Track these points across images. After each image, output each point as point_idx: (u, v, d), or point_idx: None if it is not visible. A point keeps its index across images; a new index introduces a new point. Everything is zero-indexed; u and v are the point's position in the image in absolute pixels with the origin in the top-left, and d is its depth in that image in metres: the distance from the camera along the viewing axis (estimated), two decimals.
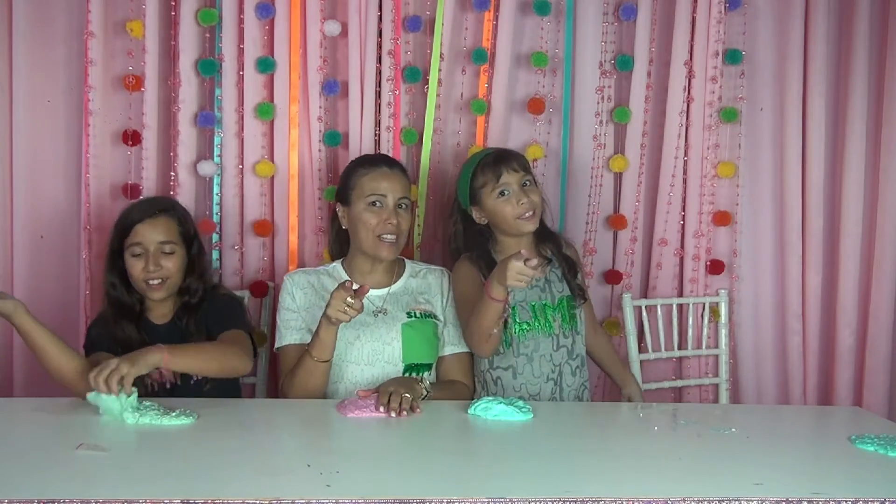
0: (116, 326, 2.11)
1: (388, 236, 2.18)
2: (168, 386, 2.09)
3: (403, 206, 2.22)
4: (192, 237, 2.19)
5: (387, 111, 2.58)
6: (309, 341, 2.11)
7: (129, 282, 2.14)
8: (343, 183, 2.28)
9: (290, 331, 2.19)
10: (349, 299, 1.92)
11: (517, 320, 2.24)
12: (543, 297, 2.25)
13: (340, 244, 2.35)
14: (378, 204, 2.19)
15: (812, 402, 2.73)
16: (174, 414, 1.77)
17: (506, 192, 2.22)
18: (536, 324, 2.24)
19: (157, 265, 2.09)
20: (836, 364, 2.73)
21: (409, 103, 2.63)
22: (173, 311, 2.18)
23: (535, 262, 1.91)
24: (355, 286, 1.94)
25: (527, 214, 2.21)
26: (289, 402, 2.07)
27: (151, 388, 2.07)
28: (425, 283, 2.28)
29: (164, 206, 2.18)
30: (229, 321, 2.12)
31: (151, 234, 2.10)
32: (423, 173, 2.62)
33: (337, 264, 2.30)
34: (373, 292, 2.21)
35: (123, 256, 2.12)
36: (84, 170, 2.48)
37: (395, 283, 2.26)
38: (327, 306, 1.96)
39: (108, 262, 2.15)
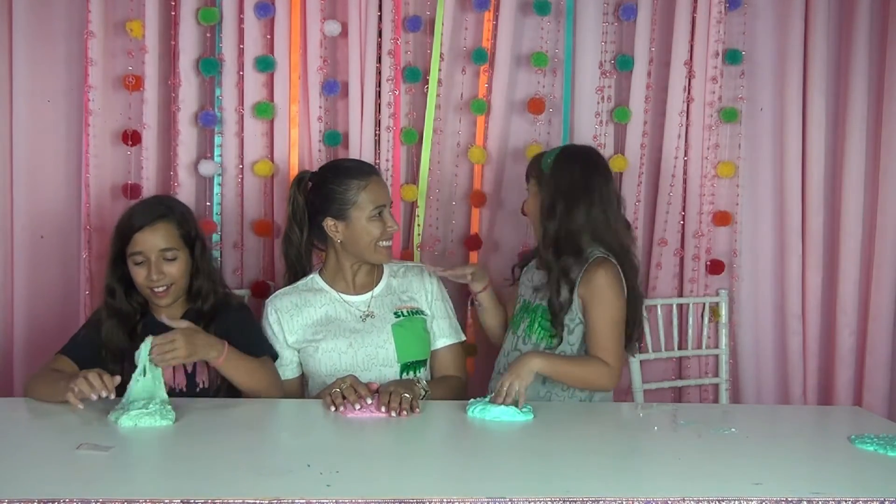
0: (107, 334, 2.08)
1: (387, 242, 2.20)
2: (177, 391, 2.08)
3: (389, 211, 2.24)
4: (194, 238, 2.14)
5: (387, 111, 2.58)
6: (290, 374, 2.19)
7: (131, 286, 2.11)
8: (335, 198, 2.16)
9: (282, 368, 2.17)
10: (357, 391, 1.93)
11: (515, 312, 2.28)
12: (531, 297, 2.23)
13: (303, 264, 2.27)
14: (381, 214, 2.18)
15: (812, 402, 2.72)
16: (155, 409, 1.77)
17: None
18: (515, 319, 2.25)
19: (160, 273, 2.05)
20: (836, 364, 2.73)
21: (409, 103, 2.63)
22: (182, 312, 2.14)
23: None
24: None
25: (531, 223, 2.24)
26: (289, 402, 2.07)
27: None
28: (406, 281, 2.28)
29: (162, 211, 2.11)
30: (256, 346, 2.11)
31: (151, 241, 2.06)
32: (423, 173, 2.62)
33: (314, 276, 2.26)
34: (357, 297, 2.22)
35: (126, 262, 2.09)
36: (84, 170, 2.48)
37: (376, 285, 2.26)
38: (331, 386, 1.96)
39: (109, 268, 2.12)
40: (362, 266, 2.24)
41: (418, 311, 2.24)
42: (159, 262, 2.06)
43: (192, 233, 2.14)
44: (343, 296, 2.22)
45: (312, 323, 2.18)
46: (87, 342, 2.08)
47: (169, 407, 1.78)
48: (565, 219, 2.12)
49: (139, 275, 2.07)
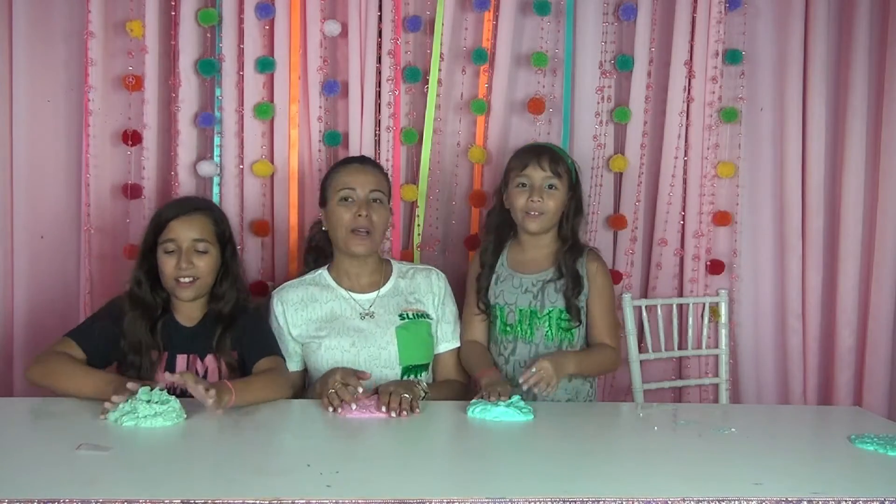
0: (129, 325, 2.05)
1: (361, 230, 2.17)
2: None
3: (376, 200, 2.19)
4: (227, 240, 2.15)
5: (387, 111, 2.58)
6: (294, 367, 2.20)
7: (155, 280, 2.10)
8: (322, 186, 2.28)
9: (287, 361, 2.16)
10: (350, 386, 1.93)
11: (504, 322, 2.25)
12: (534, 304, 2.24)
13: (316, 254, 2.33)
14: (350, 199, 2.18)
15: (812, 402, 2.72)
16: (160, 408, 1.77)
17: (525, 185, 2.24)
18: (519, 328, 2.24)
19: (189, 263, 2.05)
20: (836, 364, 2.73)
21: (409, 103, 2.63)
22: (202, 314, 2.14)
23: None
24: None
25: (532, 213, 2.22)
26: (289, 402, 2.06)
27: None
28: (414, 283, 2.28)
29: (201, 204, 2.17)
30: (266, 347, 2.11)
31: (186, 231, 2.07)
32: (423, 173, 2.62)
33: (322, 271, 2.27)
34: (361, 296, 2.22)
35: (156, 253, 2.09)
36: (84, 170, 2.49)
37: (383, 285, 2.25)
38: (323, 384, 1.97)
39: (138, 260, 2.12)
40: (365, 263, 2.23)
41: (424, 315, 2.24)
42: (190, 253, 2.06)
43: (226, 233, 2.16)
44: (351, 293, 2.22)
45: (317, 318, 2.18)
46: (103, 335, 2.05)
47: (181, 409, 1.79)
48: (581, 222, 2.33)
49: (167, 263, 2.06)
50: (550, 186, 2.22)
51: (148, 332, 2.06)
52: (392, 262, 2.33)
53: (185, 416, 1.78)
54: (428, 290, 2.28)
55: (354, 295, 2.22)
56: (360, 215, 2.16)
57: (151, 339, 2.06)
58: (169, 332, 2.10)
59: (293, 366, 2.19)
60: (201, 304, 2.14)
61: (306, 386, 2.23)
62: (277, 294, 2.22)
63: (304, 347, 2.19)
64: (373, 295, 2.23)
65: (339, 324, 2.17)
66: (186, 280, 2.06)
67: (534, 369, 1.98)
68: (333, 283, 2.23)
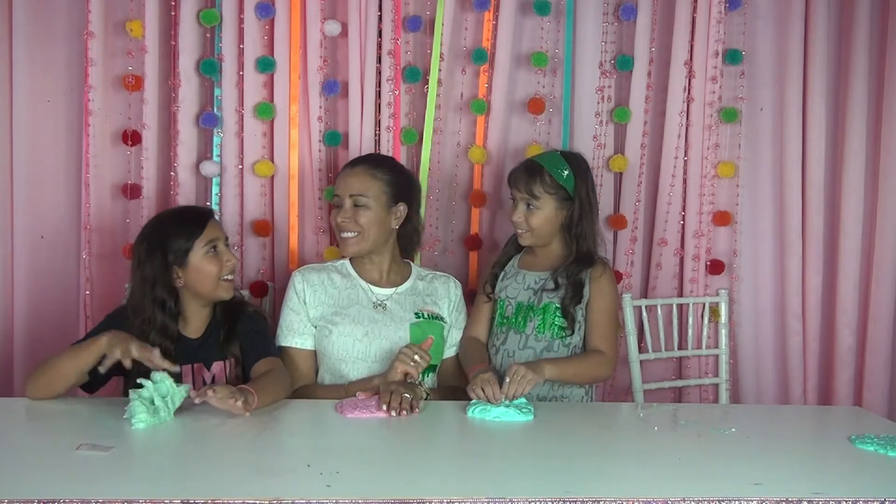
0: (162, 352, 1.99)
1: (345, 233, 2.20)
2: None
3: (357, 203, 2.19)
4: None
5: (387, 111, 2.58)
6: (309, 346, 2.19)
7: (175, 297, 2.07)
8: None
9: (293, 334, 2.18)
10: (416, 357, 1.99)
11: (503, 315, 2.27)
12: (532, 299, 2.25)
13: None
14: (340, 206, 2.22)
15: (812, 402, 2.73)
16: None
17: (513, 203, 2.28)
18: (513, 320, 2.25)
19: (234, 258, 2.11)
20: (836, 364, 2.73)
21: (409, 103, 2.63)
22: (206, 323, 2.13)
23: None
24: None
25: (517, 230, 2.27)
26: (289, 402, 2.06)
27: None
28: (432, 287, 2.30)
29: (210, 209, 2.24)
30: (264, 349, 2.11)
31: (219, 230, 2.12)
32: (423, 173, 2.62)
33: (345, 261, 2.29)
34: (379, 291, 2.24)
35: (185, 264, 2.03)
36: (84, 170, 2.49)
37: (402, 284, 2.28)
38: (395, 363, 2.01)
39: (158, 278, 2.02)
40: (381, 261, 2.26)
41: (438, 317, 2.26)
42: (229, 249, 2.12)
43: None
44: (370, 285, 2.24)
45: (333, 303, 2.20)
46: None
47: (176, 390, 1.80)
48: (588, 231, 2.26)
49: (214, 263, 2.06)
50: (529, 206, 2.23)
51: (172, 347, 2.03)
52: (412, 265, 2.35)
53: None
54: (445, 295, 2.30)
55: (373, 287, 2.24)
56: (342, 219, 2.20)
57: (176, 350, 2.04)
58: (179, 346, 2.06)
59: (307, 343, 2.18)
60: (207, 315, 2.13)
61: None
62: (300, 273, 2.24)
63: (318, 332, 2.19)
64: (390, 290, 2.25)
65: (355, 311, 2.18)
66: (232, 276, 2.10)
67: (507, 378, 1.97)
68: (354, 273, 2.26)
